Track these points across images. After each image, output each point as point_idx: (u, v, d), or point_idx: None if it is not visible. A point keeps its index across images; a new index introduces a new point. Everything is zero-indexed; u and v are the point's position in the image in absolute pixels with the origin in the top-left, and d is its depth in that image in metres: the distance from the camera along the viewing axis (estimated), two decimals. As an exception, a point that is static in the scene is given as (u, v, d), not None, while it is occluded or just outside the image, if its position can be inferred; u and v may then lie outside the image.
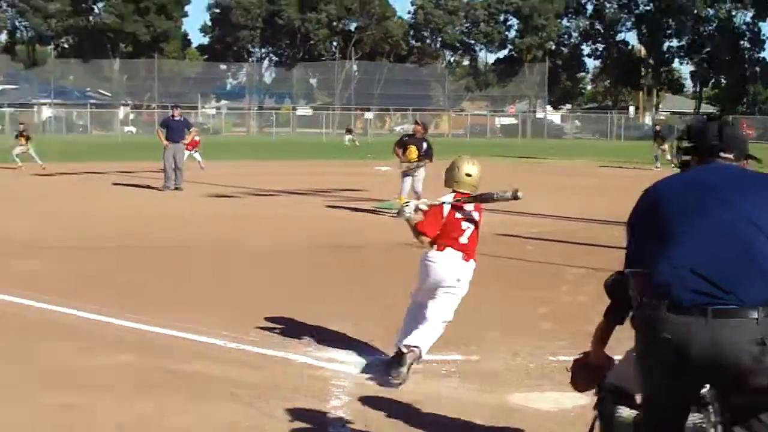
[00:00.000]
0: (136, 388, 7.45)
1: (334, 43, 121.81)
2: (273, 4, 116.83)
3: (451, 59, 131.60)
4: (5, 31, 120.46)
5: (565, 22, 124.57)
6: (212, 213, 21.18)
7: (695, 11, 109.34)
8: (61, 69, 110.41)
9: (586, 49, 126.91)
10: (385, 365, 7.91)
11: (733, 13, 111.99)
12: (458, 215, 7.89)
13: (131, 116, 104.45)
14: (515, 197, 7.68)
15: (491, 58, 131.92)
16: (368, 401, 7.13)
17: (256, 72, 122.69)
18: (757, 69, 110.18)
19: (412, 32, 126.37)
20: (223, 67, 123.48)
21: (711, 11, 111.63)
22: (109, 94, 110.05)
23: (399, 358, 7.74)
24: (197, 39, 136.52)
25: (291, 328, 9.32)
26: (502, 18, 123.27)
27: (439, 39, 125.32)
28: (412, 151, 19.65)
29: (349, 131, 73.73)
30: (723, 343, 3.72)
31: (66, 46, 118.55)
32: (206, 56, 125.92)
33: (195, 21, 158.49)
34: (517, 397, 7.34)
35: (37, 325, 9.61)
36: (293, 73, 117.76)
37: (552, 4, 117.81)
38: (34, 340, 8.94)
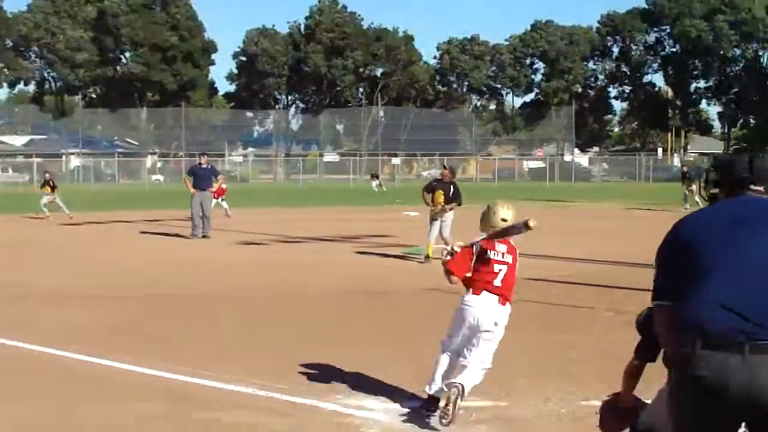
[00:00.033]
0: (165, 437, 7.41)
1: (361, 89, 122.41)
2: (299, 51, 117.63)
3: (478, 103, 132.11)
4: (34, 82, 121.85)
5: (591, 64, 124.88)
6: (240, 260, 21.17)
7: (722, 52, 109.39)
8: (89, 119, 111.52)
9: (612, 92, 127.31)
10: (418, 410, 7.85)
11: (760, 53, 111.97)
12: (490, 257, 7.87)
13: (159, 165, 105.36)
14: (527, 226, 7.63)
15: (518, 101, 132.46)
16: (398, 448, 7.07)
17: (282, 119, 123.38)
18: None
19: (438, 77, 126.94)
20: (249, 114, 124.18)
21: (737, 51, 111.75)
22: (137, 143, 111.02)
23: (431, 401, 7.71)
24: (224, 87, 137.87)
25: (320, 375, 9.26)
26: (528, 62, 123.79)
27: (466, 83, 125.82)
28: (440, 196, 19.62)
29: (375, 177, 73.57)
30: (762, 381, 3.65)
31: (94, 95, 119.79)
32: (233, 104, 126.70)
33: (221, 69, 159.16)
34: (549, 443, 7.25)
35: (65, 374, 9.59)
36: (320, 119, 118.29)
37: (578, 47, 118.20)
38: (62, 389, 8.90)
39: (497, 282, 7.84)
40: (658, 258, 4.21)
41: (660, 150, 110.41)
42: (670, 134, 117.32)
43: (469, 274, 7.88)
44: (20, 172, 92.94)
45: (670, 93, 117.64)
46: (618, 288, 15.35)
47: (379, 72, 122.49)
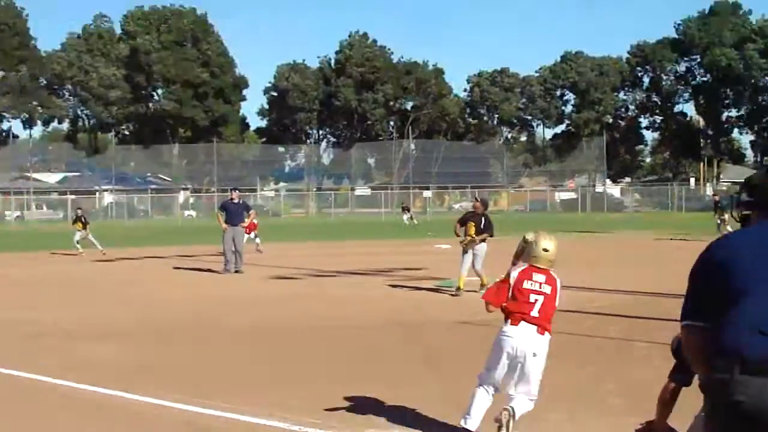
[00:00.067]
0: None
1: (391, 123, 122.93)
2: (329, 85, 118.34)
3: (509, 135, 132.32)
4: (67, 120, 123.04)
5: (621, 95, 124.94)
6: (272, 294, 21.18)
7: (752, 80, 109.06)
8: (122, 155, 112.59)
9: (643, 122, 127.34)
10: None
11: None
12: (526, 286, 7.86)
13: (191, 200, 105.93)
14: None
15: (549, 133, 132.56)
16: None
17: (314, 153, 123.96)
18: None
19: (468, 110, 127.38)
20: (281, 149, 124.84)
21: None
22: (169, 179, 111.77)
23: None
24: (255, 122, 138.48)
25: (352, 408, 9.21)
26: (558, 93, 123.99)
27: (496, 116, 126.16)
28: (471, 228, 19.60)
29: (406, 210, 73.35)
30: None
31: (126, 132, 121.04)
32: (264, 139, 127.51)
33: (253, 104, 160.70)
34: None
35: (100, 411, 9.58)
36: (351, 153, 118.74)
37: (608, 78, 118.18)
38: (98, 426, 8.91)
39: (534, 312, 7.83)
40: (692, 278, 4.13)
41: (692, 180, 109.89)
42: (702, 164, 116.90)
43: (505, 304, 7.87)
44: (54, 209, 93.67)
45: (702, 122, 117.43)
46: (652, 319, 15.23)
47: (409, 105, 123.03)
